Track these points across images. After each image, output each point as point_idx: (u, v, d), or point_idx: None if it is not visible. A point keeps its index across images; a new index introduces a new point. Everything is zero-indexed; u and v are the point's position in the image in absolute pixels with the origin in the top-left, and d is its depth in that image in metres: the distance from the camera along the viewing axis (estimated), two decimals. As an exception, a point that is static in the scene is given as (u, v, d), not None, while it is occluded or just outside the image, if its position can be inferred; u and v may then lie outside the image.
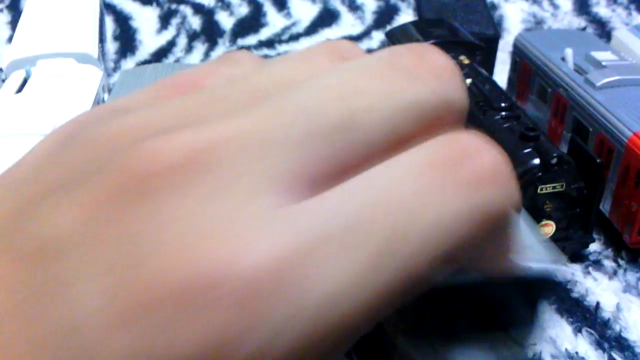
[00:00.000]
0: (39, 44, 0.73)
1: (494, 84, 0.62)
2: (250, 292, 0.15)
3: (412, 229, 0.16)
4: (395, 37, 0.75)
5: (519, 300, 0.39)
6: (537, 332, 0.39)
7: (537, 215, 0.51)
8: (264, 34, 1.03)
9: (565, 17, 1.07)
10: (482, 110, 0.57)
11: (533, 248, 0.40)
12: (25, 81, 0.66)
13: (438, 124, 0.19)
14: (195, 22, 1.06)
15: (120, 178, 0.17)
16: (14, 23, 1.02)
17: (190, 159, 0.17)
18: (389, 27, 1.04)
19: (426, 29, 0.75)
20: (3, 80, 0.68)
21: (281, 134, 0.17)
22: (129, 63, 0.95)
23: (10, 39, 0.98)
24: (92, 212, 0.17)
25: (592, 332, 0.49)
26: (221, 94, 0.20)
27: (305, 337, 0.16)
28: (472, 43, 0.72)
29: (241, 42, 1.01)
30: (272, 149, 0.17)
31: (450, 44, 0.71)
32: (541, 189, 0.51)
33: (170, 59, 0.97)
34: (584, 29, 1.03)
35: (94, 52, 0.74)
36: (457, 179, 0.17)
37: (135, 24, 1.05)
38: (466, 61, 0.66)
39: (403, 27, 0.78)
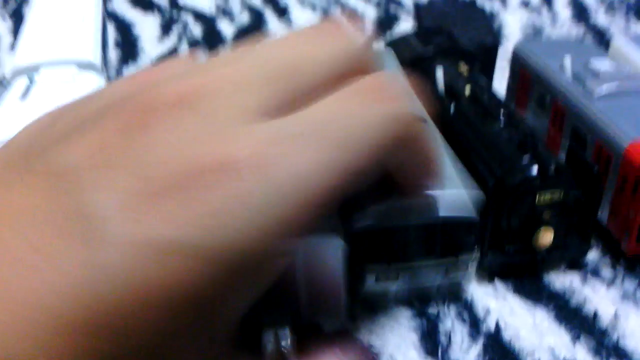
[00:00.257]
0: (42, 52, 0.74)
1: (492, 93, 0.62)
2: (238, 175, 0.20)
3: (349, 132, 0.24)
4: (397, 47, 0.76)
5: (461, 231, 0.48)
6: (477, 258, 0.48)
7: (536, 223, 0.52)
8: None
9: (564, 25, 1.07)
10: (481, 119, 0.58)
11: (451, 177, 0.50)
12: (28, 88, 0.66)
13: (356, 69, 0.28)
14: (197, 29, 1.07)
15: (124, 117, 0.22)
16: (16, 30, 1.03)
17: (181, 98, 0.22)
18: (388, 35, 1.04)
19: (426, 37, 0.76)
20: (6, 88, 0.68)
21: (247, 77, 0.24)
22: (130, 70, 0.96)
23: (12, 46, 0.99)
24: (104, 142, 0.21)
25: (590, 340, 0.49)
26: (193, 66, 0.27)
27: (280, 214, 0.21)
28: (471, 52, 0.73)
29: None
30: (240, 88, 0.23)
31: (450, 53, 0.71)
32: (539, 198, 0.51)
33: (172, 66, 0.98)
34: (582, 37, 1.04)
35: (97, 59, 0.74)
36: (370, 99, 0.26)
37: (136, 31, 1.06)
38: (465, 69, 0.66)
39: (404, 37, 0.79)
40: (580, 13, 1.10)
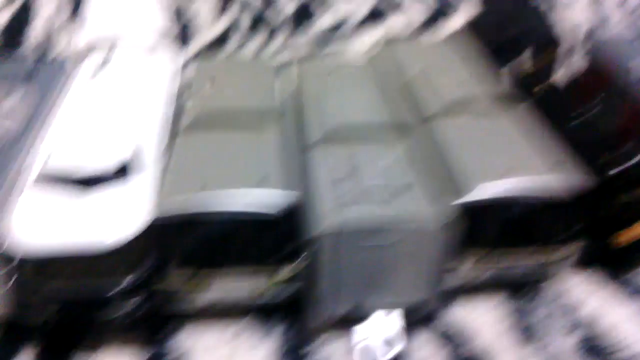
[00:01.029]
0: (113, 32, 0.75)
1: (583, 78, 0.61)
2: None
3: None
4: (476, 30, 0.74)
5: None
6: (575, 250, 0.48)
7: (637, 212, 0.50)
8: (327, 20, 1.02)
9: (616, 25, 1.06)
10: (577, 104, 0.56)
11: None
12: (100, 67, 0.66)
13: None
14: (256, 2, 1.05)
15: None
16: (74, 4, 1.02)
17: None
18: (441, 28, 1.03)
19: (502, 23, 0.75)
20: (78, 61, 0.68)
21: None
22: (188, 50, 0.94)
23: (71, 19, 0.98)
24: None
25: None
26: None
27: None
28: (553, 37, 0.71)
29: (301, 30, 1.00)
30: None
31: (533, 36, 0.70)
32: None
33: (229, 46, 0.96)
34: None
35: (165, 40, 0.74)
36: None
37: (191, 12, 1.05)
38: (551, 54, 0.65)
39: (477, 22, 0.77)
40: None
